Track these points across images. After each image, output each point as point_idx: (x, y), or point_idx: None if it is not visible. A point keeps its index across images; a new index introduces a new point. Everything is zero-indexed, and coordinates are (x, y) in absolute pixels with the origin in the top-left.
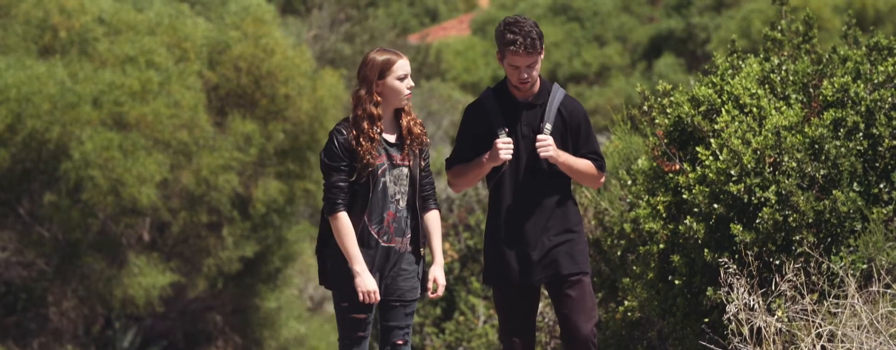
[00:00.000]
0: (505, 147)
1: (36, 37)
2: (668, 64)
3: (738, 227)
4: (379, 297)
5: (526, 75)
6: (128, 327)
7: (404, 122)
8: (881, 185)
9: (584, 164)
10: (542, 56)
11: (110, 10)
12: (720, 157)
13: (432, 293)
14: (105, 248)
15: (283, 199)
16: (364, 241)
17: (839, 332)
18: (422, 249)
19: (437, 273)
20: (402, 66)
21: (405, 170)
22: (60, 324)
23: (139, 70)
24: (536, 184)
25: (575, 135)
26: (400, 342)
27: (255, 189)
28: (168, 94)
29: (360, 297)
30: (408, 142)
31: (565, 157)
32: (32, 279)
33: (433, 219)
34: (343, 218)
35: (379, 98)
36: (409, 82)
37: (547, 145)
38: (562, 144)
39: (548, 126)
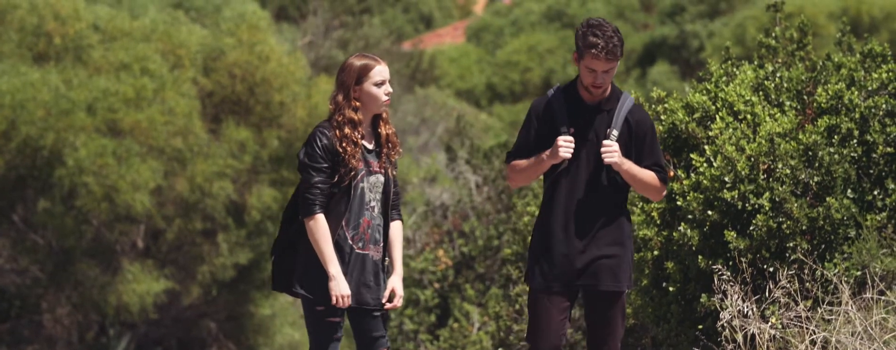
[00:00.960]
0: (566, 145)
1: (30, 43)
2: (661, 71)
3: (732, 233)
4: (350, 302)
5: (601, 80)
6: (122, 334)
7: (383, 130)
8: (875, 192)
9: (648, 175)
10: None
11: (105, 16)
12: (714, 164)
13: (389, 303)
14: (99, 255)
15: (277, 206)
16: (339, 246)
17: (833, 339)
18: (385, 260)
19: (396, 283)
20: (380, 71)
21: (381, 177)
22: (54, 331)
23: (134, 77)
24: (592, 190)
25: (639, 145)
26: None
27: (250, 196)
28: (162, 101)
29: (334, 301)
30: (385, 150)
31: (629, 165)
32: (26, 286)
33: (396, 229)
34: (320, 219)
35: (357, 103)
36: (387, 88)
37: (612, 151)
38: (625, 153)
39: (614, 132)
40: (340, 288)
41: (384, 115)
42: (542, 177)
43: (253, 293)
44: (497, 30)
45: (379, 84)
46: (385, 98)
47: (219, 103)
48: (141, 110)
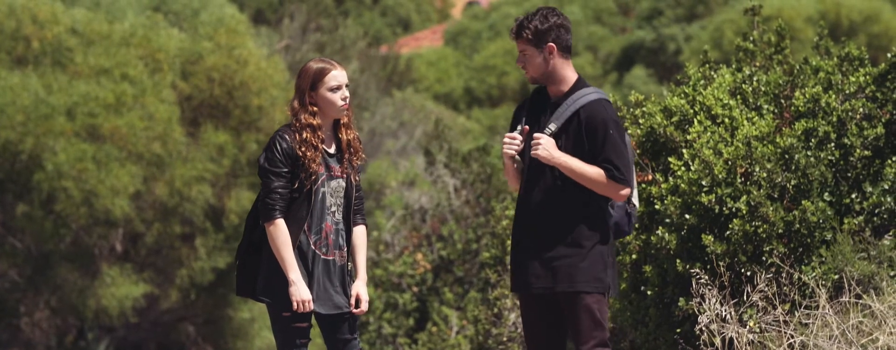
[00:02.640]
0: (508, 142)
1: (9, 47)
2: (638, 75)
3: (710, 237)
4: (312, 307)
5: (518, 61)
6: (100, 338)
7: (344, 134)
8: (853, 196)
9: (592, 171)
10: (548, 54)
11: (83, 20)
12: (692, 168)
13: (356, 309)
14: (78, 259)
15: None
16: (302, 251)
17: (811, 343)
18: (349, 265)
19: (361, 289)
20: (335, 76)
21: (343, 181)
22: (33, 335)
23: (114, 82)
24: (550, 187)
25: (591, 141)
26: None
27: (229, 200)
28: (142, 106)
29: (294, 306)
30: (347, 155)
31: (564, 160)
32: (5, 290)
33: (360, 234)
34: (280, 224)
35: (314, 108)
36: (344, 93)
37: (537, 143)
38: (575, 149)
39: (551, 126)
40: (301, 293)
41: (344, 119)
42: None
43: (232, 297)
44: (475, 33)
45: (334, 89)
46: (341, 103)
47: (197, 107)
48: (121, 115)
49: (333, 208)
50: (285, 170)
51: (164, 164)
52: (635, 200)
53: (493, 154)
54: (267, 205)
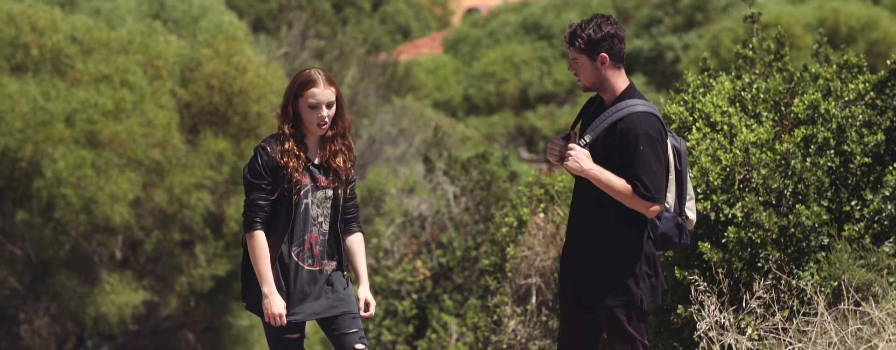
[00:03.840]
0: (550, 147)
1: (8, 55)
2: (637, 83)
3: (707, 245)
4: (285, 321)
5: (573, 68)
6: (100, 345)
7: (329, 147)
8: (853, 203)
9: (620, 185)
10: (598, 63)
11: (83, 27)
12: (691, 175)
13: (364, 312)
14: (77, 267)
15: None
16: (284, 263)
17: None
18: (344, 273)
19: (365, 293)
20: (315, 94)
21: (329, 192)
22: (32, 342)
23: (113, 89)
24: (586, 197)
25: (622, 154)
26: (360, 346)
27: (228, 207)
28: (141, 113)
29: (266, 319)
30: (334, 166)
31: (595, 172)
32: (5, 297)
33: (356, 241)
34: (259, 237)
35: (297, 118)
36: (321, 113)
37: (570, 154)
38: (606, 160)
39: (586, 137)
40: (273, 306)
41: (330, 132)
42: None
43: (231, 304)
44: (474, 41)
45: (312, 107)
46: (316, 124)
47: (196, 114)
48: (120, 122)
49: (320, 219)
50: (266, 182)
51: (164, 171)
52: (690, 213)
53: (492, 161)
54: (247, 216)
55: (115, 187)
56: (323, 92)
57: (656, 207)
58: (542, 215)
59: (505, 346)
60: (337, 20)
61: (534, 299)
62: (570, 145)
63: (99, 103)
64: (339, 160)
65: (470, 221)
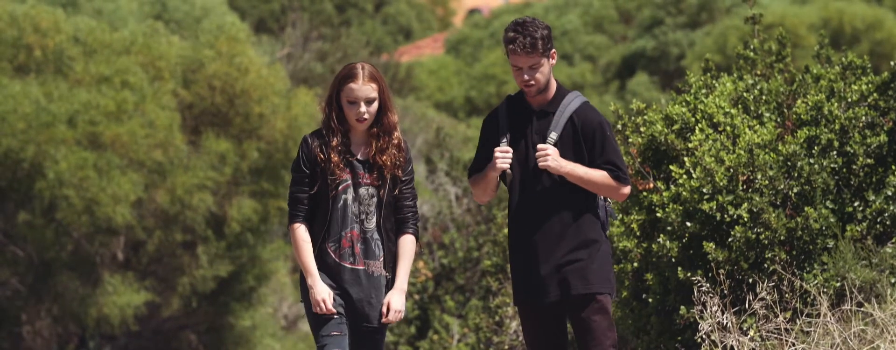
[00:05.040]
0: (502, 156)
1: (10, 56)
2: (641, 82)
3: (711, 245)
4: (331, 307)
5: (527, 77)
6: (102, 346)
7: (374, 144)
8: (856, 204)
9: (598, 175)
10: (552, 61)
11: (85, 29)
12: (694, 176)
13: (384, 318)
14: (79, 267)
15: (257, 217)
16: (321, 258)
17: None
18: (387, 275)
19: (393, 297)
20: (354, 89)
21: (372, 190)
22: (34, 343)
23: (114, 90)
24: (547, 195)
25: (589, 145)
26: None
27: (230, 208)
28: (143, 114)
29: (314, 308)
30: (379, 162)
31: (571, 168)
32: (7, 298)
33: (405, 243)
34: (299, 229)
35: (340, 111)
36: (360, 109)
37: (545, 155)
38: (575, 155)
39: (552, 135)
40: (318, 292)
41: (374, 130)
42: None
43: (233, 305)
44: (476, 42)
45: (351, 102)
46: (355, 119)
47: (198, 115)
48: (122, 123)
49: (363, 216)
50: (306, 175)
51: (166, 172)
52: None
53: None
54: (289, 209)
55: (117, 188)
56: (361, 87)
57: (628, 189)
58: None
59: (506, 346)
60: (339, 21)
61: None
62: (542, 146)
63: (101, 104)
64: (385, 158)
65: (472, 222)
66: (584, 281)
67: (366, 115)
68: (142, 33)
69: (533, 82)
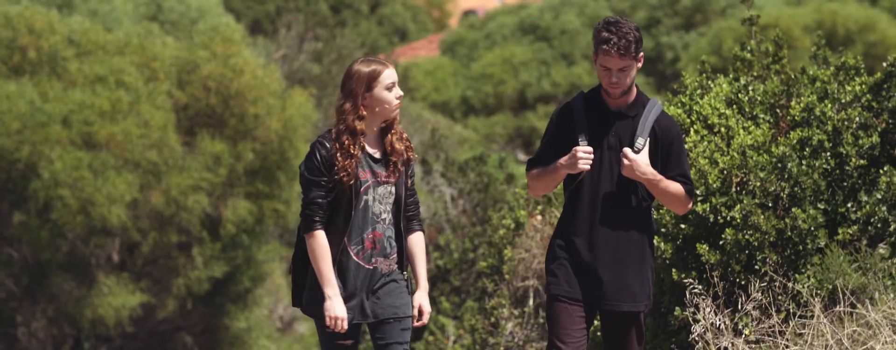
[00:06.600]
0: (585, 156)
1: (5, 56)
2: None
3: (704, 247)
4: (346, 326)
5: (616, 79)
6: (97, 348)
7: (389, 137)
8: (848, 205)
9: (675, 187)
10: (639, 64)
11: (80, 29)
12: None
13: (417, 321)
14: (74, 269)
15: (252, 219)
16: (343, 262)
17: None
18: (404, 272)
19: (422, 300)
20: (390, 75)
21: (390, 188)
22: (29, 344)
23: (109, 90)
24: (615, 203)
25: (666, 154)
26: None
27: (225, 209)
28: (138, 114)
29: (327, 322)
30: (394, 159)
31: (653, 175)
32: (1, 300)
33: (417, 241)
34: (319, 237)
35: (364, 112)
36: (398, 91)
37: (633, 161)
38: (651, 163)
39: (640, 140)
40: (335, 309)
41: (383, 124)
42: (562, 185)
43: (228, 306)
44: (471, 43)
45: (389, 88)
46: (396, 102)
47: (193, 116)
48: (116, 123)
49: (383, 215)
50: (324, 179)
51: (160, 173)
52: None
53: (490, 163)
54: (306, 216)
55: (112, 189)
56: (393, 72)
57: (691, 204)
58: (539, 217)
59: (502, 348)
60: (335, 22)
61: (531, 301)
62: (626, 150)
63: (96, 104)
64: (400, 145)
65: (467, 223)
66: (634, 298)
67: (402, 96)
68: (137, 34)
69: (621, 85)
